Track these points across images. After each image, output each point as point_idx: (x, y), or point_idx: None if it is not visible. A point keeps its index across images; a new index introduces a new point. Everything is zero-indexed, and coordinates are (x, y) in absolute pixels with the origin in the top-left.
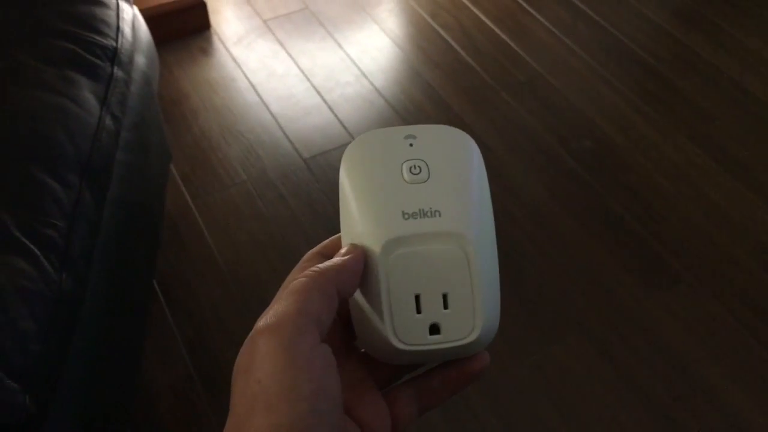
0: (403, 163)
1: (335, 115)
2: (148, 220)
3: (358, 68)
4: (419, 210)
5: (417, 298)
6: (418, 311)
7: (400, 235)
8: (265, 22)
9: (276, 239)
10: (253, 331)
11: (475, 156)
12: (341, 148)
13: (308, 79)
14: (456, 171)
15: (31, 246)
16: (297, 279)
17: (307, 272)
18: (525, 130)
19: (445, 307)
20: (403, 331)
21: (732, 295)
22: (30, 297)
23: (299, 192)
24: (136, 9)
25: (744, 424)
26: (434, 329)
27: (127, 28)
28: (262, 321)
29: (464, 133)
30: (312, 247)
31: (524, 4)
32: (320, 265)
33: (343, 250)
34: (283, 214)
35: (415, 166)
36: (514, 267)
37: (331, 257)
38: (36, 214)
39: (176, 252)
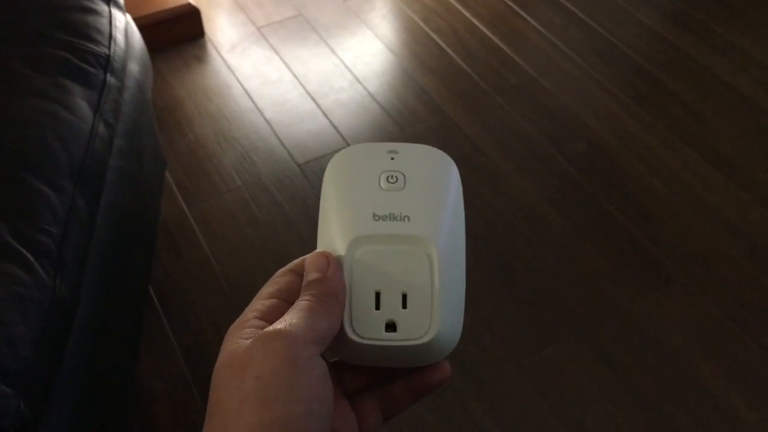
0: (381, 173)
1: (329, 121)
2: (143, 226)
3: (352, 74)
4: (389, 214)
5: (377, 295)
6: (378, 307)
7: (368, 234)
8: (258, 29)
9: (271, 245)
10: (257, 332)
11: (453, 175)
12: (335, 153)
13: (302, 85)
14: (431, 184)
15: (25, 252)
16: (303, 299)
17: (308, 297)
18: (518, 133)
19: (404, 306)
20: (360, 324)
21: (726, 295)
22: (23, 303)
23: (294, 197)
24: (129, 17)
25: (740, 422)
26: (392, 328)
27: (119, 36)
28: (272, 326)
29: (446, 155)
30: (307, 253)
31: (517, 8)
32: (315, 292)
33: (308, 257)
34: (278, 219)
35: (392, 176)
36: (508, 269)
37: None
38: (29, 221)
39: (172, 258)
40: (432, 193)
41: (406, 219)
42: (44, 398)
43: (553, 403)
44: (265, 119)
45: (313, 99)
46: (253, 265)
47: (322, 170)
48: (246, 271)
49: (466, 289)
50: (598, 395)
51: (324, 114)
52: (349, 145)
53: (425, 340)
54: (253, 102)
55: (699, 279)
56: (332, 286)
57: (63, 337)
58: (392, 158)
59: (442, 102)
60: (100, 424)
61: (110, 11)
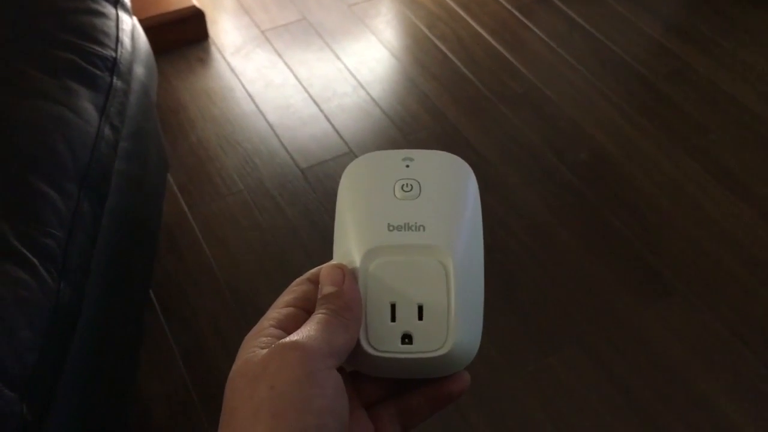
0: (396, 182)
1: (332, 125)
2: (146, 229)
3: (356, 79)
4: (405, 224)
5: (393, 306)
6: (393, 319)
7: (383, 245)
8: (263, 32)
9: (273, 249)
10: (273, 341)
11: (470, 183)
12: (338, 158)
13: (306, 90)
14: (447, 192)
15: (30, 255)
16: (320, 312)
17: (324, 311)
18: (521, 141)
19: (420, 318)
20: (375, 337)
21: (726, 307)
22: (28, 306)
23: (296, 202)
24: (135, 19)
25: None
26: (408, 339)
27: (126, 39)
28: (289, 338)
29: (463, 161)
30: (308, 258)
31: (521, 17)
32: (331, 306)
33: (323, 269)
34: (280, 223)
35: (407, 184)
36: (510, 278)
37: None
38: (34, 224)
39: (173, 262)
40: (448, 202)
41: (422, 228)
42: (47, 402)
43: (552, 414)
44: (268, 123)
45: (316, 103)
46: (254, 269)
47: (325, 175)
48: (247, 275)
49: None
50: (598, 406)
51: (327, 118)
52: (351, 150)
53: (442, 352)
54: (256, 105)
55: (700, 291)
56: (348, 300)
57: (66, 340)
58: (407, 166)
59: (444, 108)
60: (102, 427)
61: (117, 14)
